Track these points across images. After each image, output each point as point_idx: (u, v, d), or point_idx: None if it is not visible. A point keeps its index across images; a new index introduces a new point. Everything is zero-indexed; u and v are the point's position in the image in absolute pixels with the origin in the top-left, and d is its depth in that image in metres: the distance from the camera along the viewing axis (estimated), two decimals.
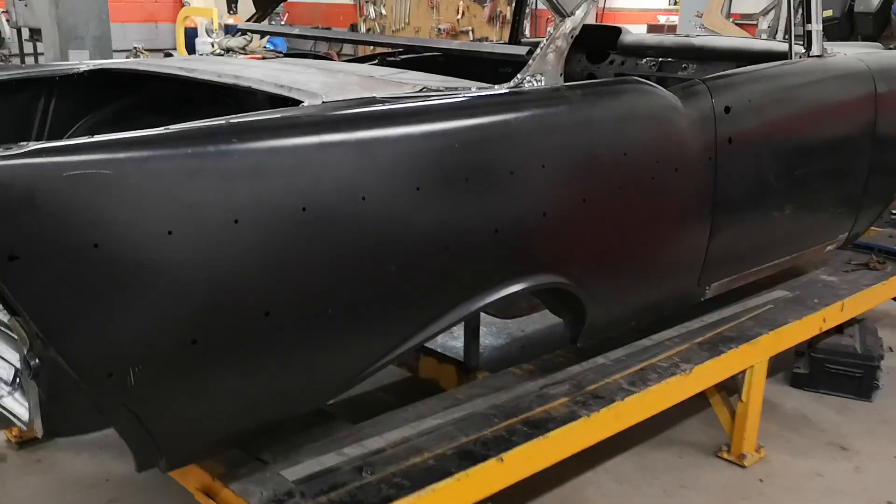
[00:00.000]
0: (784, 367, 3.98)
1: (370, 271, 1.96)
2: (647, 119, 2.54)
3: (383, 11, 10.34)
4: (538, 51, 2.36)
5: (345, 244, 1.90)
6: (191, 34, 10.42)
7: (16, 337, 1.99)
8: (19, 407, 1.91)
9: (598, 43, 4.16)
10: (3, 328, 2.10)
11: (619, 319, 2.74)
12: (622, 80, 2.60)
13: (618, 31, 4.14)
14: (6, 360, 2.01)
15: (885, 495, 3.11)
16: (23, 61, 6.98)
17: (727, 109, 2.74)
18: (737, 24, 6.60)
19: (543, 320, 3.68)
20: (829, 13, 5.84)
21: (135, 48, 9.62)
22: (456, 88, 2.30)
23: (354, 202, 1.90)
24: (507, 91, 2.30)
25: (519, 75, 2.34)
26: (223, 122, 1.82)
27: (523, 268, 2.30)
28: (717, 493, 3.10)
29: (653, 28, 11.92)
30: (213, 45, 9.70)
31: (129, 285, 1.65)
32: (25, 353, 1.68)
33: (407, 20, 10.13)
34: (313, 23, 11.34)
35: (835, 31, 5.99)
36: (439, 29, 9.77)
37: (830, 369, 3.79)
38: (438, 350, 3.22)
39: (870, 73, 3.36)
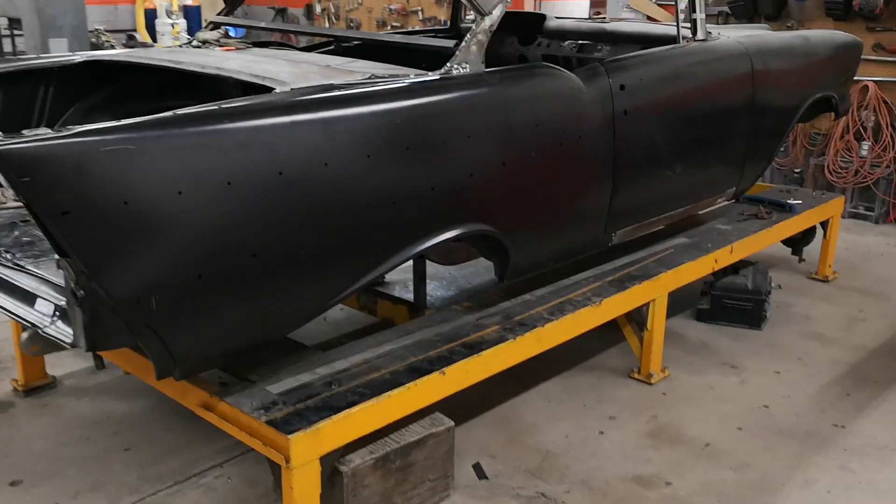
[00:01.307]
0: (691, 305, 4.65)
1: (333, 221, 2.51)
2: (554, 97, 3.12)
3: None
4: (463, 44, 2.92)
5: (312, 201, 2.45)
6: (150, 15, 10.70)
7: (53, 280, 2.53)
8: (61, 333, 2.44)
9: (526, 28, 4.73)
10: (40, 274, 2.63)
11: (537, 261, 3.33)
12: (533, 66, 3.17)
13: (543, 17, 4.72)
14: (45, 299, 2.54)
15: (763, 400, 3.79)
16: (1, 49, 7.30)
17: (622, 87, 3.33)
18: (659, 5, 7.20)
19: (489, 273, 4.28)
20: None
21: (95, 30, 9.84)
22: (397, 75, 2.84)
23: (319, 167, 2.45)
24: (438, 77, 2.86)
25: (448, 64, 2.90)
26: (216, 106, 2.35)
27: (455, 218, 2.87)
28: (628, 404, 3.75)
29: (595, 2, 12.45)
30: (173, 27, 9.93)
31: (150, 233, 2.17)
32: (73, 286, 2.20)
33: (360, 0, 10.55)
34: (271, 2, 11.67)
35: (740, 10, 6.64)
36: (390, 9, 10.21)
37: (727, 304, 4.46)
38: (394, 294, 3.80)
39: (747, 53, 3.98)
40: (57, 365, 3.96)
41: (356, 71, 2.90)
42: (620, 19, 7.14)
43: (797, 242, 5.01)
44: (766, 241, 4.54)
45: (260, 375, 2.83)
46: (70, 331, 2.36)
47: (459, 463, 3.13)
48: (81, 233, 2.07)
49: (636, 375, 3.96)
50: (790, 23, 6.52)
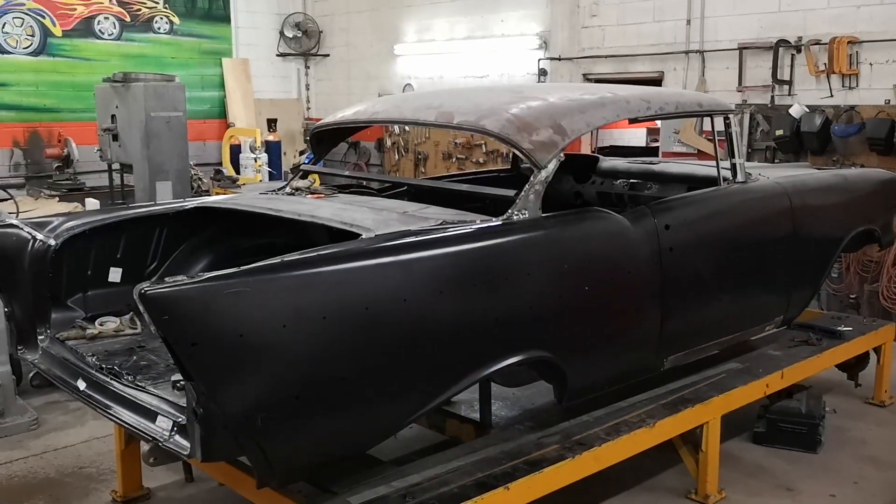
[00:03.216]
0: (749, 427, 4.79)
1: (412, 349, 2.89)
2: (604, 237, 3.51)
3: (406, 127, 11.55)
4: (522, 193, 3.35)
5: (394, 332, 2.83)
6: (235, 150, 11.63)
7: (171, 399, 2.95)
8: (178, 446, 2.82)
9: (581, 168, 5.20)
10: (160, 395, 3.06)
11: (593, 385, 3.62)
12: (585, 210, 3.58)
13: (597, 159, 5.19)
14: (165, 416, 2.95)
15: None
16: (112, 190, 8.19)
17: (667, 227, 3.69)
18: (708, 140, 7.65)
19: (549, 394, 4.54)
20: (780, 132, 6.90)
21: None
22: (465, 221, 3.27)
23: (399, 302, 2.85)
24: (501, 222, 3.28)
25: (509, 210, 3.32)
26: (315, 253, 2.80)
27: (517, 345, 3.21)
28: None
29: (652, 131, 13.02)
30: (255, 161, 10.70)
31: (259, 360, 2.57)
32: (193, 405, 2.60)
33: (427, 135, 11.33)
34: None
35: (787, 145, 7.02)
36: (455, 143, 10.95)
37: (782, 428, 4.60)
38: (461, 413, 4.10)
39: (786, 192, 4.34)
40: (151, 477, 4.31)
41: (429, 217, 3.34)
42: (671, 154, 7.60)
43: (852, 367, 5.15)
44: (817, 367, 4.71)
45: (341, 487, 3.13)
46: (187, 444, 2.74)
47: None
48: (205, 360, 2.49)
49: (694, 496, 4.10)
50: (835, 157, 6.85)
